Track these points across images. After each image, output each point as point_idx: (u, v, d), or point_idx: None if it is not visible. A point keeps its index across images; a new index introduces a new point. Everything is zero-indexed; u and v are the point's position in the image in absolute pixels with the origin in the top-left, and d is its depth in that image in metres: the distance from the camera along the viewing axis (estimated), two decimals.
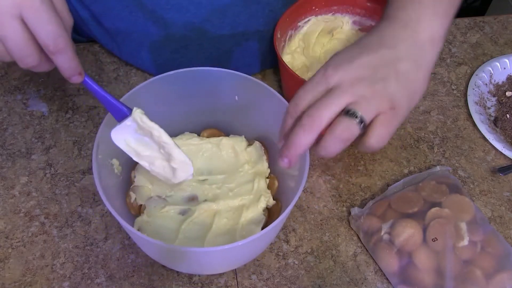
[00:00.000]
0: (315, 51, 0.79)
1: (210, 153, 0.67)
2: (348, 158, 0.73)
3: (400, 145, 0.75)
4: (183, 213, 0.62)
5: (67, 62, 0.47)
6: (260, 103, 0.63)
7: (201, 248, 0.51)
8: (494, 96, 0.82)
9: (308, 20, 0.79)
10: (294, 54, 0.78)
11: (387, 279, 0.62)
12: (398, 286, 0.61)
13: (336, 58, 0.49)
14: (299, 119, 0.48)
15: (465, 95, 0.81)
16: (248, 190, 0.64)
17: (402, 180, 0.68)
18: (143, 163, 0.58)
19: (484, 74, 0.82)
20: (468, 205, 0.64)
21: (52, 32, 0.45)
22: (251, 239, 0.49)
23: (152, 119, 0.55)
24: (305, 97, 0.48)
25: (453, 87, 0.83)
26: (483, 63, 0.84)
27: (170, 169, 0.59)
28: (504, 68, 0.84)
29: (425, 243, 0.61)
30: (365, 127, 0.46)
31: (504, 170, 0.72)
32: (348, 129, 0.45)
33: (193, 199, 0.64)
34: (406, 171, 0.73)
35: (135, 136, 0.56)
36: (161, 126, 0.56)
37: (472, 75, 0.82)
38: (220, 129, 0.70)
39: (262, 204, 0.62)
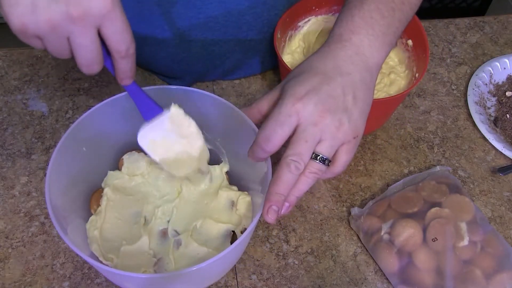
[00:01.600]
0: (315, 51, 0.79)
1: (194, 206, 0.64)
2: None
3: (400, 145, 0.75)
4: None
5: (128, 65, 0.51)
6: (222, 120, 0.61)
7: (187, 269, 0.49)
8: (494, 96, 0.82)
9: (308, 20, 0.79)
10: (294, 54, 0.78)
11: (387, 279, 0.62)
12: (398, 286, 0.61)
13: (297, 88, 0.52)
14: (274, 156, 0.52)
15: (465, 95, 0.81)
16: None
17: (402, 180, 0.68)
18: (157, 158, 0.58)
19: (484, 74, 0.82)
20: (468, 205, 0.64)
21: (128, 39, 0.48)
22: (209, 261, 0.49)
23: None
24: (277, 132, 0.51)
25: (453, 87, 0.83)
26: (483, 63, 0.84)
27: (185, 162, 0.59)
28: (504, 68, 0.83)
29: (425, 243, 0.61)
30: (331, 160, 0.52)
31: (504, 170, 0.72)
32: (319, 170, 0.51)
33: (164, 234, 0.60)
34: (406, 171, 0.73)
35: (163, 133, 0.57)
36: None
37: (472, 75, 0.82)
38: None
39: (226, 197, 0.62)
